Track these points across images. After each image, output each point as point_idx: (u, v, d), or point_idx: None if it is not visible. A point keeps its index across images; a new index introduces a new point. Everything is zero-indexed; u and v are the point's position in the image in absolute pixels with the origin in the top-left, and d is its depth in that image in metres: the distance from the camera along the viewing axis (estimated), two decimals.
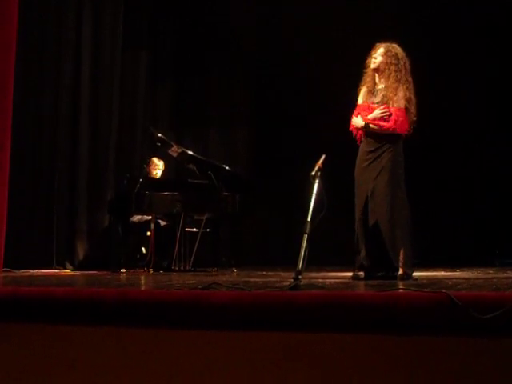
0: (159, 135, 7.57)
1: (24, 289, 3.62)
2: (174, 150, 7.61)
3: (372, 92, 5.13)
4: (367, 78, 5.18)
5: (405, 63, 5.10)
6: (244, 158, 9.56)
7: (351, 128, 5.17)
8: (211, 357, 3.00)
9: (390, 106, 5.00)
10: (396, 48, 5.12)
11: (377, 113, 5.00)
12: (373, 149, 5.03)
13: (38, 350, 3.22)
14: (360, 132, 5.13)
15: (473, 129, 8.50)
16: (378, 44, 5.17)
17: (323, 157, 4.59)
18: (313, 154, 4.65)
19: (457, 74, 8.53)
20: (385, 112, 4.99)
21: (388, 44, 5.14)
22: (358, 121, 5.05)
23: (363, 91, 5.18)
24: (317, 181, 4.40)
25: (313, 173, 4.45)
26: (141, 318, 3.13)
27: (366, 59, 5.19)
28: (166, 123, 9.29)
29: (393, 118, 4.99)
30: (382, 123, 4.98)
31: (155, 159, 7.92)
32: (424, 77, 8.23)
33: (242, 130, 9.64)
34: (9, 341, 3.27)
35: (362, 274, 4.95)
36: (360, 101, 5.17)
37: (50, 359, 3.20)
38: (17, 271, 6.86)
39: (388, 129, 4.98)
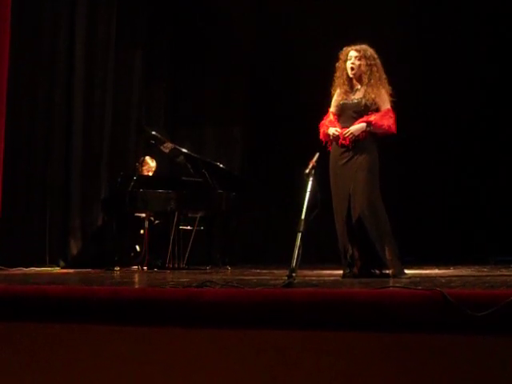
0: (153, 133, 7.58)
1: (17, 287, 3.61)
2: (166, 147, 7.62)
3: (349, 92, 5.12)
4: (340, 81, 5.15)
5: (379, 62, 5.12)
6: (239, 156, 9.57)
7: (322, 137, 5.15)
8: (205, 355, 3.00)
9: (379, 104, 5.02)
10: (369, 49, 5.13)
11: (362, 125, 4.99)
12: (349, 147, 5.02)
13: (31, 349, 3.22)
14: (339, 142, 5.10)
15: (470, 126, 8.52)
16: (347, 48, 5.15)
17: (317, 155, 4.59)
18: (307, 152, 4.65)
19: (449, 72, 8.55)
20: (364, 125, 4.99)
21: (361, 46, 5.12)
22: (356, 127, 4.99)
23: (337, 93, 5.16)
24: (311, 179, 4.40)
25: (307, 171, 4.45)
26: (135, 316, 3.13)
27: (336, 64, 5.17)
28: (162, 122, 9.29)
29: (388, 117, 5.00)
30: (380, 122, 4.98)
31: (149, 159, 7.92)
32: (416, 77, 8.34)
33: (238, 129, 9.66)
34: (1, 339, 3.26)
35: (354, 271, 4.96)
36: (333, 106, 5.16)
37: (42, 358, 3.19)
38: (10, 269, 6.84)
39: (387, 128, 5.00)
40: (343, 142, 5.01)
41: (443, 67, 8.56)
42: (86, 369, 3.14)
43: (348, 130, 4.99)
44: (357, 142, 4.99)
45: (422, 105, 8.43)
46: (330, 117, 5.15)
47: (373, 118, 4.99)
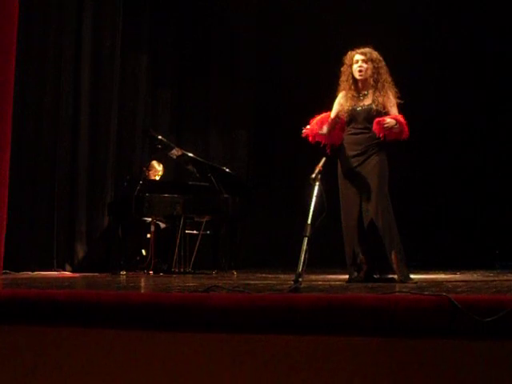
0: (159, 137, 7.58)
1: (23, 291, 3.62)
2: (174, 153, 7.63)
3: (356, 98, 5.10)
4: (346, 85, 5.13)
5: (385, 64, 5.12)
6: (245, 160, 9.57)
7: (321, 139, 5.15)
8: (211, 359, 2.99)
9: (388, 108, 5.01)
10: (374, 52, 5.12)
11: (394, 121, 4.95)
12: (359, 152, 5.02)
13: (38, 353, 3.22)
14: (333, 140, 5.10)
15: (473, 130, 8.52)
16: (351, 52, 5.14)
17: (323, 160, 4.59)
18: (313, 156, 4.65)
19: (449, 73, 8.57)
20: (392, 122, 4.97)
21: (366, 50, 5.11)
22: (392, 120, 4.90)
23: (343, 96, 5.13)
24: (317, 184, 4.40)
25: (313, 176, 4.45)
26: (141, 320, 3.13)
27: (341, 69, 5.15)
28: (167, 125, 9.29)
29: (403, 123, 5.00)
30: (405, 127, 4.98)
31: (155, 163, 7.92)
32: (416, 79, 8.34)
33: (243, 133, 9.65)
34: (8, 343, 3.27)
35: (360, 276, 4.95)
36: (341, 110, 5.13)
37: (49, 362, 3.20)
38: (16, 273, 6.85)
39: (407, 133, 5.00)
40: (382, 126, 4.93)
41: (444, 67, 8.57)
42: (91, 372, 3.14)
43: (387, 121, 4.91)
44: (369, 146, 4.98)
45: (422, 108, 8.41)
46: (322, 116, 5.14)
47: (397, 119, 4.96)
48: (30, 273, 7.05)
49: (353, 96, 5.10)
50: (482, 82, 8.48)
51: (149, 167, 7.88)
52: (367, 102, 5.07)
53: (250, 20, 9.58)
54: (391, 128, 4.91)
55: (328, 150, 5.11)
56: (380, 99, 5.00)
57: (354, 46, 5.17)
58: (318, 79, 7.73)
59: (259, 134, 9.61)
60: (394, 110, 5.04)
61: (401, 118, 5.01)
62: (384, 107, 5.00)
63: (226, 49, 9.57)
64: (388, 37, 7.74)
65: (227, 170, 7.66)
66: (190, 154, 7.62)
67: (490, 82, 8.48)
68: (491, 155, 8.47)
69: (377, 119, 4.94)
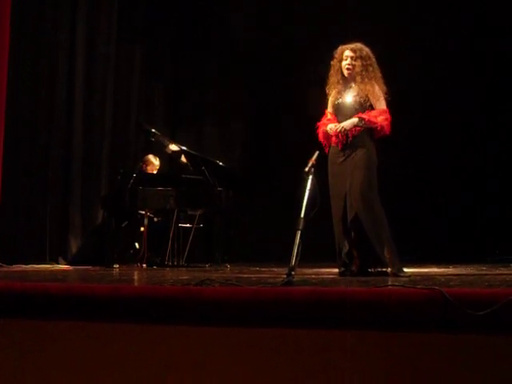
0: (153, 130, 7.58)
1: (16, 284, 3.61)
2: (170, 149, 7.62)
3: (343, 91, 5.11)
4: (334, 79, 5.14)
5: (375, 61, 5.11)
6: (239, 154, 9.57)
7: (321, 138, 5.14)
8: (204, 353, 3.00)
9: (373, 101, 5.01)
10: (365, 48, 5.10)
11: (354, 120, 4.98)
12: (346, 145, 5.02)
13: (31, 346, 3.22)
14: (332, 140, 5.11)
15: (470, 125, 8.52)
16: (342, 47, 5.13)
17: (316, 153, 4.59)
18: (306, 150, 4.65)
19: (449, 71, 8.56)
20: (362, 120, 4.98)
21: (356, 46, 5.09)
22: (348, 121, 4.96)
23: (332, 93, 5.15)
24: (310, 177, 4.40)
25: (306, 169, 4.45)
26: (134, 313, 3.13)
27: (331, 62, 5.15)
28: (161, 118, 9.28)
29: (383, 117, 4.99)
30: (373, 119, 4.97)
31: (152, 158, 7.89)
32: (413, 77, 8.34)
33: (238, 127, 9.65)
34: (1, 336, 3.26)
35: (353, 270, 4.96)
36: (329, 107, 5.15)
37: (42, 355, 3.20)
38: (9, 266, 6.85)
39: (379, 127, 4.98)
40: (336, 138, 4.99)
41: (444, 67, 8.57)
42: (84, 366, 3.14)
43: (340, 124, 4.99)
44: (354, 138, 4.98)
45: (421, 102, 8.42)
46: (328, 116, 5.15)
47: (366, 114, 4.98)
48: (23, 266, 7.05)
49: (339, 90, 5.12)
50: (482, 81, 8.47)
51: (146, 162, 7.86)
52: (352, 94, 5.07)
53: (248, 14, 9.56)
54: (347, 129, 4.94)
55: (327, 150, 5.10)
56: (364, 92, 5.01)
57: (347, 41, 5.17)
58: (315, 75, 7.71)
59: (254, 128, 9.60)
60: (378, 104, 5.03)
61: (378, 112, 5.00)
62: (367, 100, 5.00)
63: (222, 42, 9.55)
64: (388, 37, 7.73)
65: (220, 163, 7.66)
66: (184, 148, 7.62)
67: (490, 81, 8.47)
68: (490, 155, 8.47)
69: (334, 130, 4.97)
